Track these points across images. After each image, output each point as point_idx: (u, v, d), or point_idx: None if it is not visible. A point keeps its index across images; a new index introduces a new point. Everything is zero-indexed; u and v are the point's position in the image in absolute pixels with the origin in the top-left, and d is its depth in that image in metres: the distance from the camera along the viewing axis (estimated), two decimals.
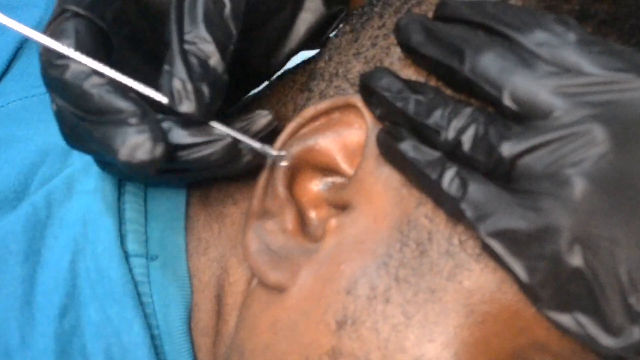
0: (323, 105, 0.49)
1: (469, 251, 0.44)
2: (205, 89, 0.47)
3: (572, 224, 0.41)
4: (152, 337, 0.51)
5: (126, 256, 0.52)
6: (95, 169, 0.54)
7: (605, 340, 0.41)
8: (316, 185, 0.49)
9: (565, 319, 0.42)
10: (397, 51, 0.49)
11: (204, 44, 0.47)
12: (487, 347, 0.44)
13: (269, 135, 0.50)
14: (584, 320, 0.42)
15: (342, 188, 0.48)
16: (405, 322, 0.44)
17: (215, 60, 0.47)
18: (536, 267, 0.42)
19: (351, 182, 0.47)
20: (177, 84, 0.46)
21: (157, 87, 0.47)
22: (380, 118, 0.47)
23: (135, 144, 0.46)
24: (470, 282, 0.44)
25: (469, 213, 0.43)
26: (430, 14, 0.48)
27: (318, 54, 0.52)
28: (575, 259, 0.41)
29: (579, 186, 0.41)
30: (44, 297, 0.51)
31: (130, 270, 0.52)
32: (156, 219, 0.54)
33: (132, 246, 0.53)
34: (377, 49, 0.50)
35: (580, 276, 0.41)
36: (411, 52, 0.47)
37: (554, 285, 0.42)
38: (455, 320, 0.44)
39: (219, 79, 0.47)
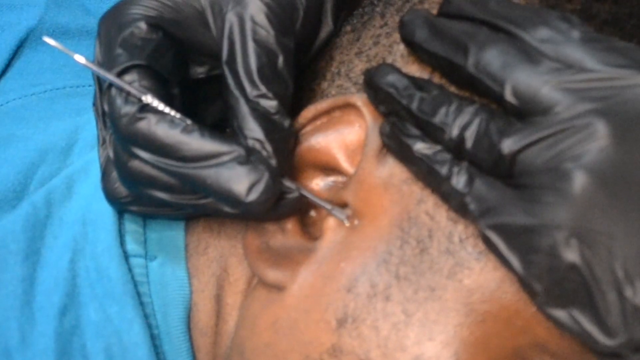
0: (324, 104, 0.49)
1: (469, 249, 0.44)
2: (281, 145, 0.47)
3: (570, 218, 0.41)
4: (152, 337, 0.51)
5: (126, 256, 0.52)
6: (94, 169, 0.54)
7: (601, 337, 0.41)
8: (317, 184, 0.49)
9: (561, 314, 0.42)
10: (399, 49, 0.49)
11: (266, 101, 0.47)
12: (487, 346, 0.44)
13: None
14: (580, 316, 0.42)
15: (342, 187, 0.48)
16: (405, 321, 0.45)
17: (280, 115, 0.47)
18: (533, 260, 0.42)
19: (351, 181, 0.47)
20: (254, 143, 0.46)
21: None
22: (384, 114, 0.47)
23: (255, 182, 0.46)
24: (471, 280, 0.44)
25: (472, 207, 0.43)
26: (432, 13, 0.48)
27: (319, 53, 0.52)
28: (572, 253, 0.41)
29: (578, 180, 0.41)
30: (43, 296, 0.51)
31: (130, 270, 0.52)
32: (155, 219, 0.54)
33: (131, 246, 0.53)
34: (380, 47, 0.50)
35: (576, 270, 0.41)
36: (415, 48, 0.47)
37: (550, 280, 0.42)
38: (455, 319, 0.44)
39: (287, 132, 0.48)
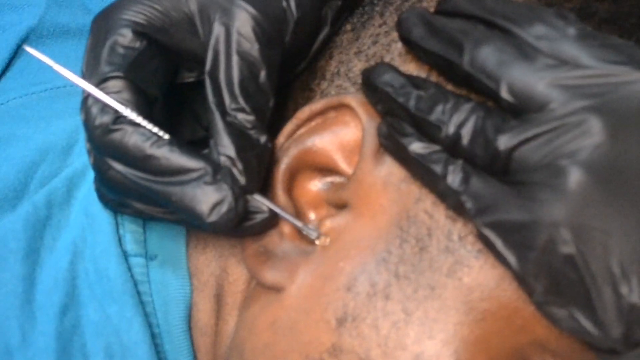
0: (318, 105, 0.49)
1: (469, 248, 0.44)
2: (253, 162, 0.47)
3: (566, 215, 0.41)
4: (153, 336, 0.51)
5: (125, 256, 0.52)
6: (92, 171, 0.54)
7: (597, 333, 0.42)
8: (315, 186, 0.49)
9: (557, 311, 0.42)
10: (397, 47, 0.49)
11: (243, 115, 0.47)
12: (487, 344, 0.44)
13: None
14: (577, 313, 0.42)
15: (341, 187, 0.48)
16: (405, 319, 0.45)
17: (256, 131, 0.48)
18: (529, 257, 0.42)
19: (350, 182, 0.47)
20: (225, 160, 0.47)
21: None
22: (382, 113, 0.47)
23: (218, 203, 0.46)
24: (470, 278, 0.44)
25: (468, 205, 0.43)
26: (431, 11, 0.48)
27: (319, 53, 0.52)
28: (568, 250, 0.41)
29: (573, 176, 0.41)
30: (44, 295, 0.51)
31: (130, 269, 0.52)
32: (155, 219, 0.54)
33: (130, 246, 0.53)
34: (378, 46, 0.50)
35: (573, 267, 0.41)
36: (412, 46, 0.47)
37: (547, 277, 0.42)
38: (455, 317, 0.44)
39: (262, 149, 0.48)
